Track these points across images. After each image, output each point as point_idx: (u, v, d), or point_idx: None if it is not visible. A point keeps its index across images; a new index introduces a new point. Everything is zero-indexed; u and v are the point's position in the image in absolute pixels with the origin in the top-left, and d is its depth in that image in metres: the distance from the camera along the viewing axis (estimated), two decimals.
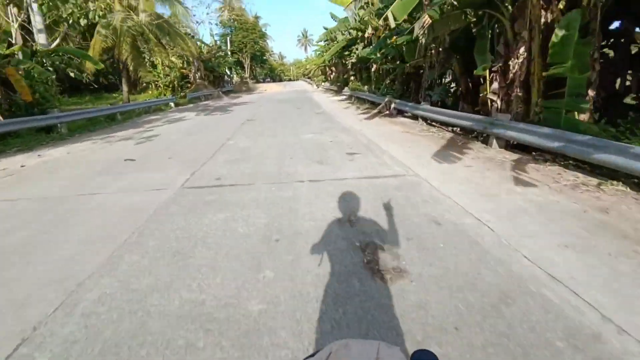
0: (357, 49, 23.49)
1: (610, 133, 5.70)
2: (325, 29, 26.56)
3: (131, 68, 20.90)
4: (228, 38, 53.90)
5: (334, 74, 37.69)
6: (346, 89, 26.60)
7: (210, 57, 33.12)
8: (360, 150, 7.35)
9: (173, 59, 28.93)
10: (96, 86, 30.28)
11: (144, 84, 29.03)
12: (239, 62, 62.46)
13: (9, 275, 2.96)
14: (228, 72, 54.87)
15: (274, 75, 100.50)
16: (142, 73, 22.35)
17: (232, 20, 56.39)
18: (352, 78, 28.52)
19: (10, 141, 9.59)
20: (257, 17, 60.40)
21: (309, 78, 71.67)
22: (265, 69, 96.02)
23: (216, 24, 60.45)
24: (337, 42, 25.31)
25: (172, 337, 2.15)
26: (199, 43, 31.97)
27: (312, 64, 47.88)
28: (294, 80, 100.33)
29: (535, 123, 6.47)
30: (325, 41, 29.55)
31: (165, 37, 22.08)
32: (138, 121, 15.27)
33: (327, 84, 39.60)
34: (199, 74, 30.55)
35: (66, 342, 2.16)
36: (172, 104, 22.76)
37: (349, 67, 29.22)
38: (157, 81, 28.26)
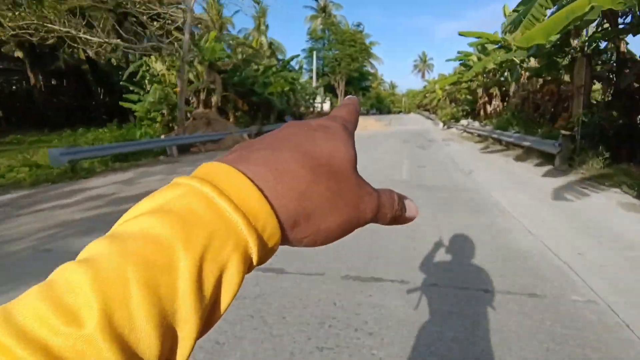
0: None
1: None
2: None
3: None
4: (315, 54, 38.87)
5: (491, 104, 18.54)
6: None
7: (239, 64, 17.27)
8: None
9: (157, 64, 13.82)
10: None
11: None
12: (330, 88, 47.15)
13: None
14: (310, 100, 39.75)
15: (382, 107, 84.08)
16: None
17: (326, 32, 41.55)
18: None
19: None
20: (358, 26, 44.60)
21: (426, 110, 52.58)
22: (370, 98, 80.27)
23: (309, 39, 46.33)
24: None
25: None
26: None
27: (441, 83, 28.17)
28: (405, 112, 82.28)
29: None
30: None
31: None
32: None
33: (465, 125, 20.42)
34: (206, 94, 14.86)
35: None
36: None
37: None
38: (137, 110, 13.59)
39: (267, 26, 49.15)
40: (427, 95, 46.20)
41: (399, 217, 0.30)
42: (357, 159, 0.28)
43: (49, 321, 0.16)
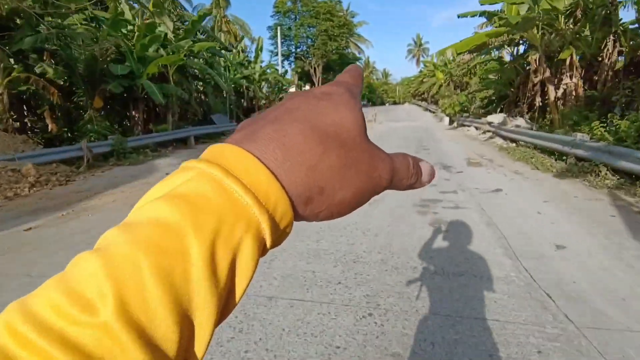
0: None
1: None
2: None
3: None
4: (280, 30, 29.83)
5: (558, 84, 9.60)
6: None
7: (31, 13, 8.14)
8: None
9: None
10: None
11: None
12: (306, 74, 38.13)
13: None
14: (276, 91, 30.88)
15: (373, 97, 75.06)
16: None
17: (297, 3, 32.44)
18: None
19: None
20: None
21: (423, 99, 43.72)
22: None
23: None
24: None
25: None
26: None
27: (459, 47, 18.44)
28: (399, 103, 73.24)
29: None
30: None
31: None
32: None
33: (500, 125, 11.55)
34: None
35: None
36: None
37: None
38: None
39: (228, 1, 40.13)
40: (424, 80, 37.25)
41: (416, 183, 0.30)
42: (366, 125, 0.27)
43: (65, 310, 0.17)
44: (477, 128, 14.60)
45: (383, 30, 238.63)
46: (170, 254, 0.19)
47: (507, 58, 15.07)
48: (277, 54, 37.93)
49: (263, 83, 28.80)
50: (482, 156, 8.97)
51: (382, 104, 73.70)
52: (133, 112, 12.17)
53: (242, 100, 26.87)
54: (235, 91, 26.50)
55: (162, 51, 12.74)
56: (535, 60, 9.91)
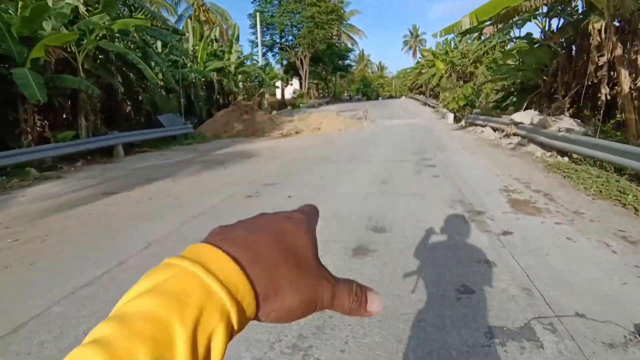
0: None
1: None
2: None
3: None
4: (258, 16, 26.30)
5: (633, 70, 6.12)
6: None
7: None
8: None
9: None
10: None
11: None
12: (292, 66, 34.62)
13: None
14: (256, 85, 27.42)
15: (368, 91, 71.21)
16: None
17: None
18: None
19: None
20: None
21: (421, 93, 40.19)
22: (355, 81, 67.66)
23: None
24: None
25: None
26: None
27: (481, 13, 14.76)
28: (395, 97, 69.52)
29: None
30: None
31: None
32: None
33: (536, 128, 8.11)
34: None
35: None
36: None
37: None
38: None
39: None
40: (422, 71, 33.72)
41: (357, 310, 0.32)
42: (317, 249, 0.32)
43: None
44: (495, 129, 11.18)
45: (379, 23, 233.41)
46: (162, 344, 0.22)
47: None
48: (259, 45, 34.30)
49: (240, 76, 25.18)
50: (527, 185, 5.56)
51: (377, 98, 69.89)
52: (23, 114, 8.67)
53: (217, 96, 23.29)
54: (206, 85, 23.01)
55: (66, 30, 9.22)
56: (599, 29, 6.48)
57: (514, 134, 9.31)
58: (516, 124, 9.22)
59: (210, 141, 14.01)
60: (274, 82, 37.15)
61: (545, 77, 9.77)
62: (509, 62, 12.42)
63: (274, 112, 25.87)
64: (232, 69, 24.67)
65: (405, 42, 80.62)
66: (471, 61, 23.85)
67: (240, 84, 25.68)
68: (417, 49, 72.70)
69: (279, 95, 36.53)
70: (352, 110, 24.99)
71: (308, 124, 16.39)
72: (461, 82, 25.04)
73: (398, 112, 26.14)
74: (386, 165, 7.65)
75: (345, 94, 66.17)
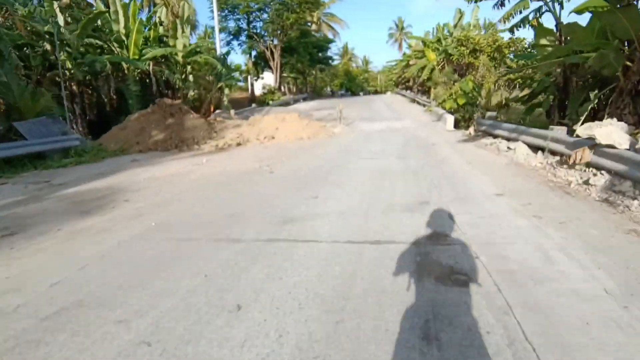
0: None
1: None
2: None
3: None
4: None
5: None
6: None
7: None
8: None
9: None
10: None
11: None
12: (262, 57, 30.09)
13: None
14: (214, 80, 22.71)
15: (353, 86, 66.70)
16: None
17: None
18: None
19: None
20: None
21: (407, 88, 36.06)
22: (339, 76, 63.35)
23: None
24: None
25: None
26: None
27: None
28: (381, 92, 65.16)
29: None
30: None
31: None
32: None
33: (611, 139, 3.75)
34: None
35: None
36: None
37: None
38: None
39: None
40: (410, 63, 29.52)
41: None
42: None
43: None
44: (541, 149, 6.99)
45: (363, 16, 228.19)
46: None
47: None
48: (224, 32, 29.54)
49: (189, 67, 20.51)
50: None
51: (360, 93, 65.46)
52: None
53: (157, 92, 18.56)
54: (142, 78, 18.35)
55: None
56: None
57: (587, 165, 5.12)
58: (594, 145, 5.03)
59: (105, 159, 9.47)
60: (242, 76, 32.47)
61: (628, 63, 5.65)
62: (544, 41, 8.32)
63: (232, 111, 21.32)
64: (179, 58, 20.03)
65: (390, 34, 76.43)
66: (469, 50, 19.68)
67: (191, 77, 20.93)
68: (403, 41, 68.67)
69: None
70: (331, 108, 20.60)
71: (259, 130, 11.97)
72: (456, 75, 21.02)
73: (382, 111, 21.89)
74: (344, 269, 3.38)
75: (328, 89, 62.00)
